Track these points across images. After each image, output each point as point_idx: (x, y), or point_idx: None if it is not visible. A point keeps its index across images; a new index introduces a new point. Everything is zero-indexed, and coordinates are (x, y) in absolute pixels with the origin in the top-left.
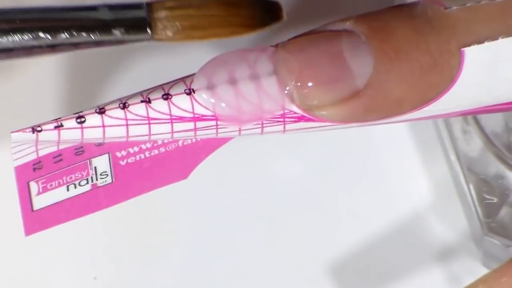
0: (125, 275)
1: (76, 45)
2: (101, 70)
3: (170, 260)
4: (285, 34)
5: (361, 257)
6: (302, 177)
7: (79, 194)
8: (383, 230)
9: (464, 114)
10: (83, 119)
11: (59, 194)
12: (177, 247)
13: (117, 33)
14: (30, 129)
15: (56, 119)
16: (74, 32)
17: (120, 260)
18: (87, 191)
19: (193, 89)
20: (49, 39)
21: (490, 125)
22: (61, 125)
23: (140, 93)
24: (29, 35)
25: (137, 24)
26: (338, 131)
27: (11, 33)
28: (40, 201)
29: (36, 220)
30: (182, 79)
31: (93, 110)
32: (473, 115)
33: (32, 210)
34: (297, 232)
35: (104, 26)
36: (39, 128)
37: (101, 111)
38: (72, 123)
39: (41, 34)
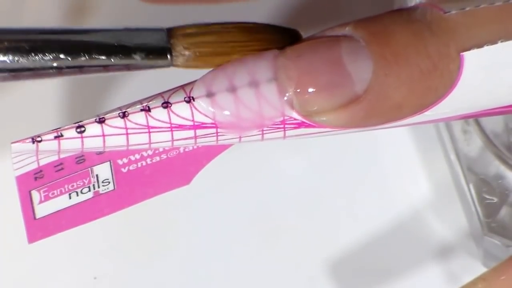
0: (124, 275)
1: (96, 67)
2: (101, 78)
3: (171, 261)
4: None
5: (361, 257)
6: (302, 178)
7: (81, 202)
8: (383, 229)
9: (464, 117)
10: (83, 129)
11: (61, 202)
12: (178, 248)
13: (137, 57)
14: (30, 140)
15: (56, 129)
16: (94, 55)
17: (120, 260)
18: (89, 199)
19: (192, 97)
20: (69, 60)
21: (490, 125)
22: (61, 135)
23: (140, 102)
24: (50, 55)
25: (157, 50)
26: (337, 135)
27: (32, 53)
28: (43, 210)
29: (38, 228)
30: (182, 87)
31: (93, 120)
32: (474, 118)
33: (35, 218)
34: (298, 232)
35: (124, 50)
36: (39, 139)
37: (101, 120)
38: (72, 133)
39: (62, 55)
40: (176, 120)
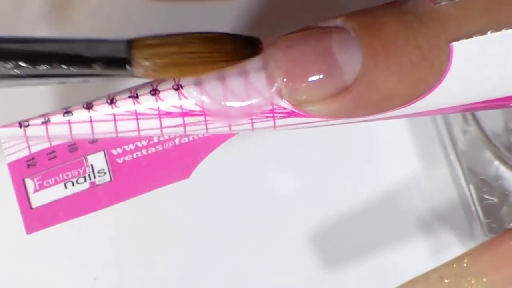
0: (125, 275)
1: (58, 77)
2: None
3: (170, 260)
4: (279, 32)
5: (361, 258)
6: (302, 176)
7: (78, 192)
8: (382, 231)
9: (455, 111)
10: (70, 114)
11: (56, 191)
12: (178, 247)
13: (96, 68)
14: (18, 124)
15: (44, 114)
16: (54, 64)
17: (120, 260)
18: (86, 189)
19: (181, 85)
20: (30, 68)
21: (490, 125)
22: (49, 120)
23: (129, 89)
24: (10, 63)
25: (117, 60)
26: (337, 131)
27: None
28: (38, 199)
29: (36, 219)
30: None
31: (81, 105)
32: (465, 112)
33: (31, 208)
34: (295, 224)
35: (84, 60)
36: (26, 123)
37: (89, 106)
38: (59, 118)
39: (22, 64)
40: (164, 107)
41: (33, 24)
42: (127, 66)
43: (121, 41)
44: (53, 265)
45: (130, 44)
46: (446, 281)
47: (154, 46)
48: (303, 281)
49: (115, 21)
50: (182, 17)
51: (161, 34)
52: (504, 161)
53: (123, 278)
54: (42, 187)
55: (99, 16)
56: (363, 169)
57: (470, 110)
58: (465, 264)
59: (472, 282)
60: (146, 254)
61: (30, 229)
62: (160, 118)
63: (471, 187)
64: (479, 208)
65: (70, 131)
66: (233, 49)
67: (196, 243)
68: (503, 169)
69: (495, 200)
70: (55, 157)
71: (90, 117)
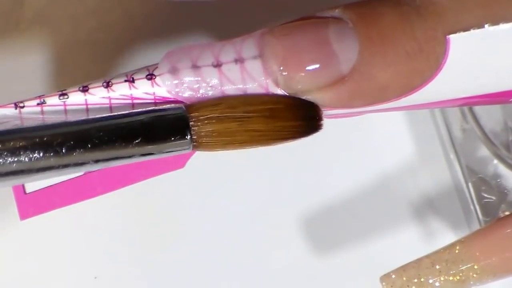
0: (125, 275)
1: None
2: (95, 69)
3: (170, 260)
4: (276, 22)
5: (360, 259)
6: (300, 174)
7: (72, 178)
8: (382, 230)
9: (453, 104)
10: (66, 97)
11: None
12: (178, 247)
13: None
14: (13, 105)
15: (39, 96)
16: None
17: (120, 260)
18: (81, 176)
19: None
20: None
21: (489, 124)
22: (44, 102)
23: (125, 73)
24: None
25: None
26: (335, 130)
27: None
28: (32, 184)
29: (30, 204)
30: None
31: (76, 88)
32: (463, 106)
33: (25, 193)
34: (287, 210)
35: (141, 139)
36: (21, 104)
37: (85, 89)
38: (55, 100)
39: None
40: (160, 92)
41: (33, 23)
42: (186, 140)
43: (179, 108)
44: (53, 264)
45: (189, 112)
46: (437, 267)
47: (215, 121)
48: (294, 266)
49: (115, 18)
50: (182, 12)
51: (220, 101)
52: (503, 160)
53: (123, 277)
54: None
55: (99, 13)
56: (360, 167)
57: (468, 105)
58: (456, 251)
59: (463, 268)
60: (147, 253)
61: (24, 214)
62: (155, 103)
63: (470, 185)
64: (477, 207)
65: (65, 113)
66: (291, 125)
67: (196, 243)
68: (501, 168)
69: (494, 198)
70: None
71: (86, 99)
